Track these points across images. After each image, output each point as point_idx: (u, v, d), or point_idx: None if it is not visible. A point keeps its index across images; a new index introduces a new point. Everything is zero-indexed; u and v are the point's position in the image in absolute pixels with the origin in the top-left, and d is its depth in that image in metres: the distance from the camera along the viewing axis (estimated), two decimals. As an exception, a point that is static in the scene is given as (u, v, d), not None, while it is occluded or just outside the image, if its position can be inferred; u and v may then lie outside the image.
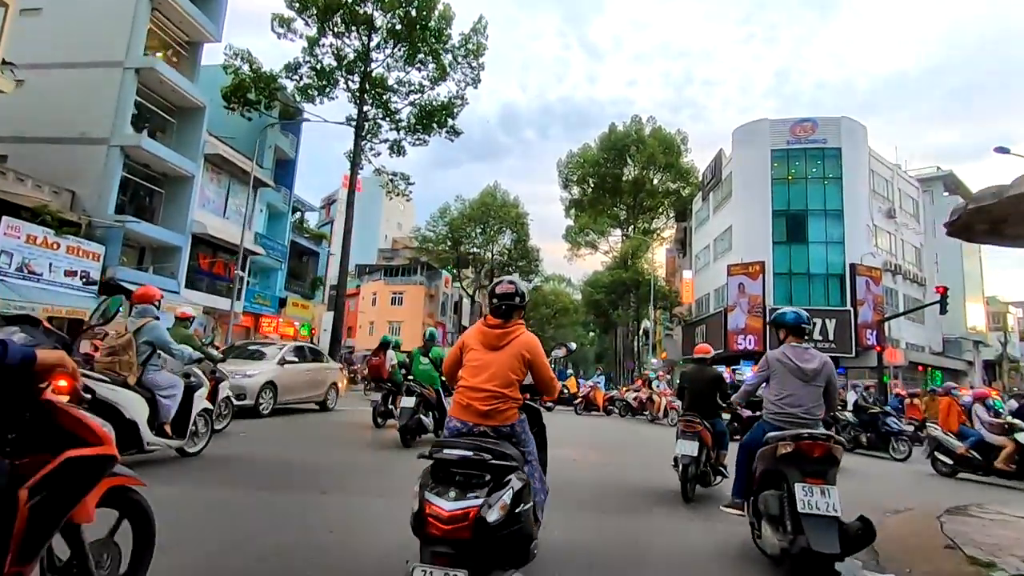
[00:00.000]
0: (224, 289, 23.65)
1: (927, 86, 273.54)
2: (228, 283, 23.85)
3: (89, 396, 3.95)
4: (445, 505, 2.14)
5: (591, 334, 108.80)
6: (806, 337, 3.94)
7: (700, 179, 36.81)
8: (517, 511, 2.28)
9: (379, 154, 28.14)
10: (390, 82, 26.62)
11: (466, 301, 59.39)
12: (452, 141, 27.87)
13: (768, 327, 11.90)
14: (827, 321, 25.83)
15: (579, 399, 18.32)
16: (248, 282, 26.62)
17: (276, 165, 28.69)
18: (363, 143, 27.30)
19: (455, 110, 27.05)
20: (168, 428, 5.19)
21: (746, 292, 27.57)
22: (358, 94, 25.40)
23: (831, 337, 25.72)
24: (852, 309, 25.86)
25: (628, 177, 46.22)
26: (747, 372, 28.70)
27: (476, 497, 2.18)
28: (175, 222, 20.64)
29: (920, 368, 30.02)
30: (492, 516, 2.15)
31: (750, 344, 26.86)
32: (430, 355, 8.19)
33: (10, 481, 1.57)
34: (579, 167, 47.37)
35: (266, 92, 23.84)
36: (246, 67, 22.98)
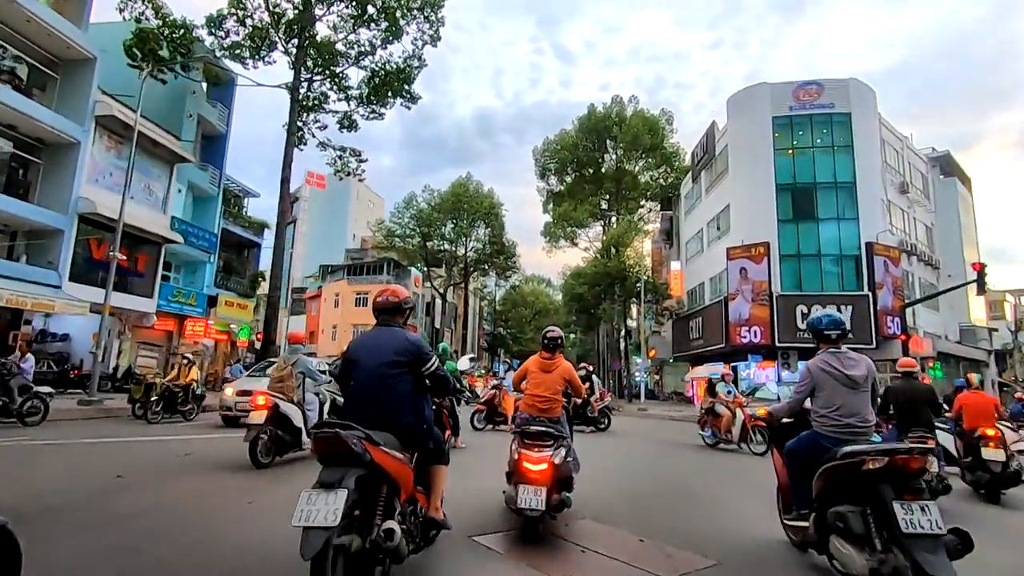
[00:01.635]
0: (136, 285, 19.49)
1: (889, 87, 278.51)
2: (140, 277, 19.71)
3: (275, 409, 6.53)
4: (533, 455, 4.05)
5: (572, 336, 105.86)
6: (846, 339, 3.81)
7: (690, 158, 33.56)
8: (568, 460, 4.24)
9: (325, 127, 24.19)
10: (338, 46, 22.82)
11: (439, 302, 55.42)
12: (409, 109, 24.08)
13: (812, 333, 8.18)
14: (843, 308, 22.63)
15: (478, 406, 12.37)
16: (168, 277, 22.44)
17: (203, 141, 24.52)
18: (307, 116, 23.41)
19: (412, 73, 23.31)
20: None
21: (749, 278, 24.26)
22: (297, 55, 21.49)
23: (848, 325, 22.41)
24: (871, 294, 22.70)
25: (609, 164, 42.88)
26: (753, 368, 25.60)
27: (549, 451, 4.09)
28: (55, 199, 16.45)
29: (931, 361, 27.02)
30: (557, 460, 4.05)
31: (755, 336, 23.54)
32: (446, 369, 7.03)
33: None
34: (556, 153, 43.85)
35: (180, 48, 19.76)
36: (150, 11, 18.87)
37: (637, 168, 43.70)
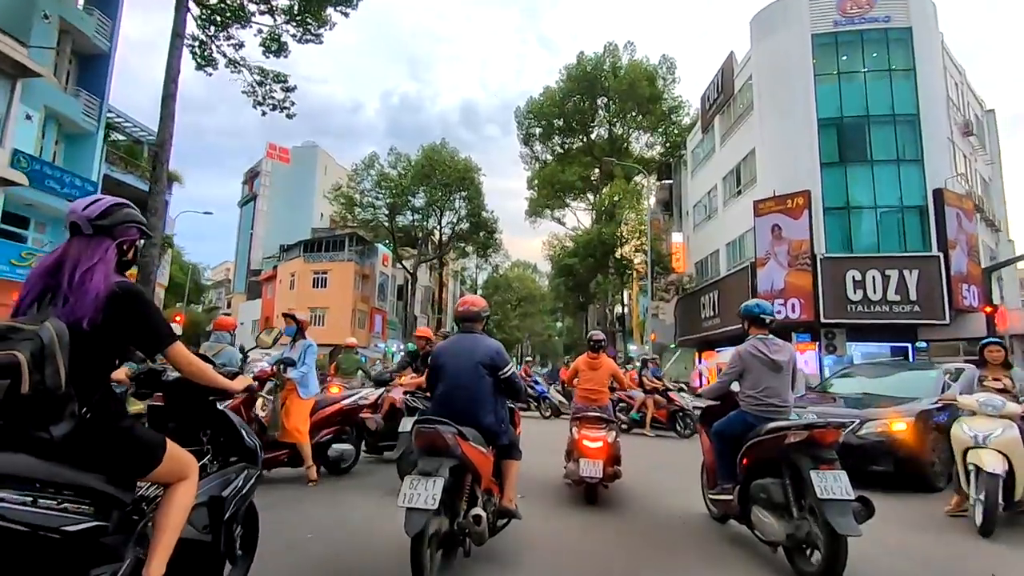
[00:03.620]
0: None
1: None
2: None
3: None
4: (592, 434, 5.03)
5: (559, 324, 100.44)
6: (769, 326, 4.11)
7: (700, 106, 28.28)
8: (617, 440, 5.27)
9: (241, 45, 18.50)
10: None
11: (412, 285, 49.80)
12: (346, 16, 18.46)
13: (742, 319, 4.73)
14: (905, 273, 17.65)
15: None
16: (21, 237, 16.79)
17: (78, 61, 18.77)
18: (217, 31, 17.79)
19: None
20: None
21: (784, 237, 19.16)
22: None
23: (912, 295, 17.52)
24: (941, 254, 17.70)
25: (600, 133, 37.53)
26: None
27: (603, 431, 5.08)
28: None
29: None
30: (610, 439, 5.05)
31: (792, 311, 18.49)
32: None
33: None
34: (541, 112, 38.28)
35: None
36: None
37: (632, 135, 38.40)
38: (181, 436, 2.11)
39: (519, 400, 4.28)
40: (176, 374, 2.19)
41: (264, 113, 20.07)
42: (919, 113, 18.81)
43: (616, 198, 28.07)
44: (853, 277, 17.97)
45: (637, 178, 37.98)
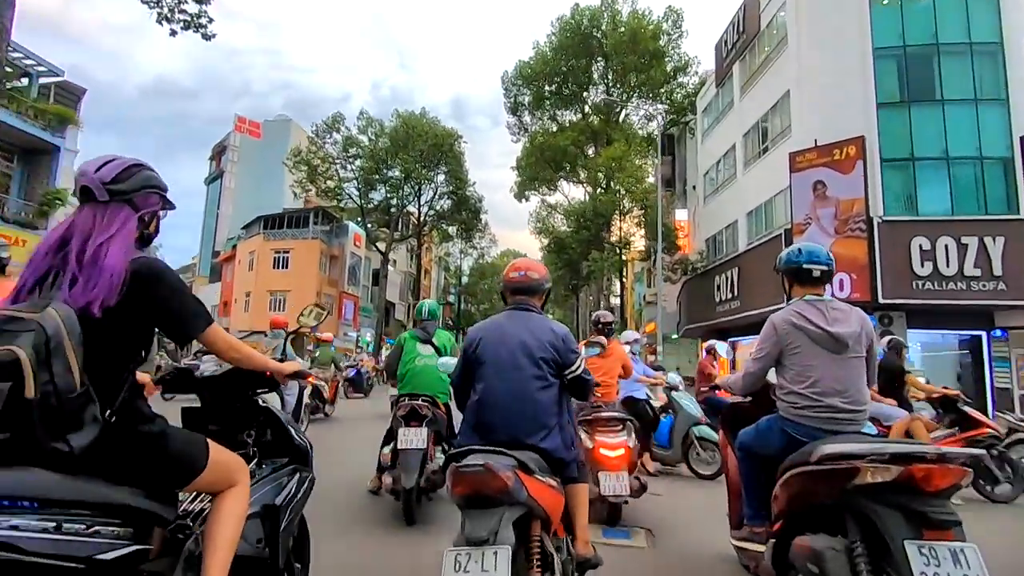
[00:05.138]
0: None
1: None
2: None
3: None
4: (613, 440, 4.08)
5: (551, 315, 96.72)
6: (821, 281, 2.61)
7: (715, 55, 24.23)
8: (636, 444, 4.34)
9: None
10: None
11: (390, 270, 45.50)
12: None
13: (781, 275, 3.08)
14: (987, 241, 13.82)
15: None
16: None
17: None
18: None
19: None
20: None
21: (830, 196, 15.25)
22: None
23: (996, 269, 13.70)
24: (1034, 217, 13.87)
25: (596, 85, 33.41)
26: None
27: (624, 435, 4.15)
28: None
29: None
30: (631, 443, 4.15)
31: (841, 289, 14.61)
32: (435, 342, 4.69)
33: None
34: (531, 75, 34.07)
35: None
36: None
37: (631, 103, 34.38)
38: (222, 439, 1.79)
39: (585, 400, 3.31)
40: (212, 370, 2.12)
41: (174, 33, 15.61)
42: (1002, 42, 14.88)
43: (616, 158, 23.94)
44: (920, 246, 14.10)
45: (637, 160, 33.90)
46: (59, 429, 1.28)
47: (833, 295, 12.37)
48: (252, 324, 34.88)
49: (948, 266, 13.97)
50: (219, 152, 59.84)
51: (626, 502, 4.10)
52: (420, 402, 4.29)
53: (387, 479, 4.29)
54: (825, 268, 2.66)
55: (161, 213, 1.69)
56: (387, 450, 4.47)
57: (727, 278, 20.36)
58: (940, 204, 14.83)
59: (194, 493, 1.68)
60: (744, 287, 18.93)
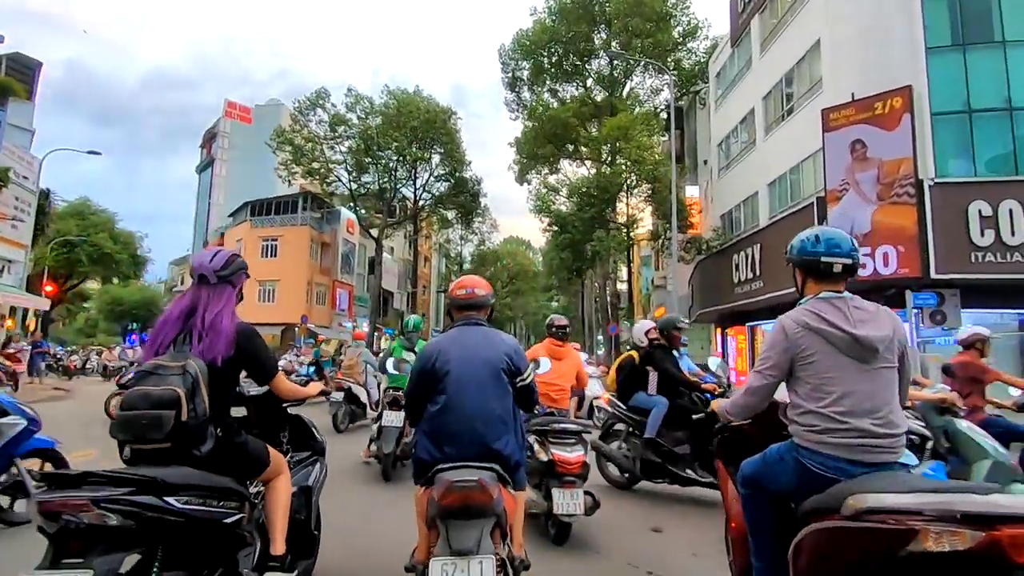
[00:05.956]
0: None
1: None
2: None
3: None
4: (571, 455, 3.80)
5: (554, 303, 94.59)
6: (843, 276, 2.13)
7: (729, 13, 22.02)
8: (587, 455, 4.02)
9: None
10: None
11: (387, 258, 43.66)
12: None
13: (793, 267, 2.33)
14: (1060, 207, 11.81)
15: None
16: None
17: None
18: None
19: None
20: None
21: (871, 157, 13.24)
22: None
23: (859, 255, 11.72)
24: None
25: (598, 53, 31.17)
26: None
27: (580, 449, 3.90)
28: None
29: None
30: (587, 459, 3.93)
31: (886, 264, 12.71)
32: (416, 349, 6.05)
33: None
34: (529, 47, 31.86)
35: None
36: None
37: (635, 75, 32.19)
38: (264, 438, 2.54)
39: (530, 412, 3.16)
40: (258, 390, 2.70)
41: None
42: (1074, -29, 12.75)
43: (622, 127, 21.82)
44: (980, 212, 12.10)
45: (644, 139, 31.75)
46: (196, 442, 2.08)
47: (876, 271, 10.24)
48: (242, 315, 33.21)
49: (1013, 235, 11.98)
50: (209, 139, 57.88)
51: (585, 515, 3.94)
52: (400, 393, 5.28)
53: (373, 447, 6.09)
54: (848, 262, 2.12)
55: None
56: (375, 427, 6.11)
57: (747, 256, 18.36)
58: (1002, 163, 12.78)
59: (257, 481, 2.46)
60: (767, 265, 16.95)
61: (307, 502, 2.73)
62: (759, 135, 19.20)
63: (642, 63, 31.44)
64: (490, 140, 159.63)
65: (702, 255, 22.40)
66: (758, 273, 17.41)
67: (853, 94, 13.73)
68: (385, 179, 34.73)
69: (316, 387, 2.87)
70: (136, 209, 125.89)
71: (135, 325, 52.62)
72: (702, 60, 28.41)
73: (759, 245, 17.62)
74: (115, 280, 43.39)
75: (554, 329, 4.88)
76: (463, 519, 2.02)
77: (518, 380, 2.46)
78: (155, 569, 1.85)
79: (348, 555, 3.52)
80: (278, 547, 2.30)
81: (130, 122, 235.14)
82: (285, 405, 2.81)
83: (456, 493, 2.02)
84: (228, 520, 2.05)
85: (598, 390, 9.65)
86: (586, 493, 3.85)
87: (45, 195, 27.57)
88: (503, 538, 2.21)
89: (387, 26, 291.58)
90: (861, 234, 13.09)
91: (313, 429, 3.05)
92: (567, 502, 3.67)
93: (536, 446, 3.92)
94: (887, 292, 13.34)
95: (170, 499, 1.88)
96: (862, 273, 12.84)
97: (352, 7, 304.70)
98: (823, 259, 2.11)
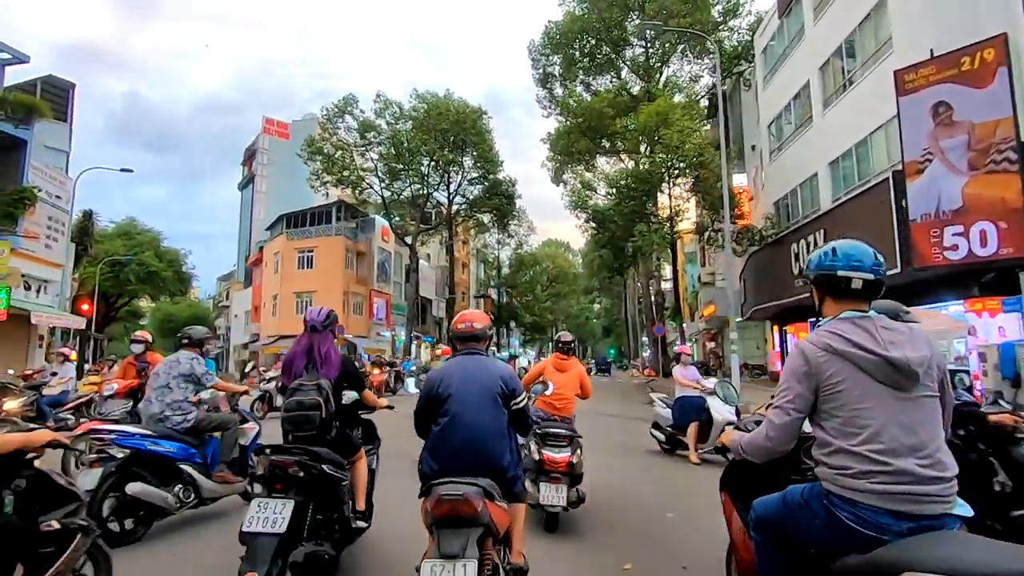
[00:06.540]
0: None
1: None
2: None
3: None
4: (558, 455, 4.44)
5: (596, 305, 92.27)
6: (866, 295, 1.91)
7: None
8: (581, 457, 4.62)
9: None
10: None
11: (424, 265, 43.13)
12: None
13: (811, 285, 2.08)
14: None
15: None
16: None
17: None
18: None
19: None
20: None
21: (958, 121, 11.40)
22: None
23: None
24: None
25: (636, 56, 29.65)
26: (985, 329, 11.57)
27: (568, 451, 4.49)
28: None
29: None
30: (574, 459, 4.48)
31: (983, 244, 10.85)
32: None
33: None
34: (560, 36, 30.68)
35: None
36: None
37: (672, 61, 30.60)
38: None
39: (525, 435, 3.84)
40: (349, 398, 3.71)
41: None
42: None
43: (661, 112, 20.29)
44: (1100, 177, 10.12)
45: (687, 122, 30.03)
46: (327, 432, 3.27)
47: (971, 252, 8.43)
48: (280, 328, 33.22)
49: None
50: (250, 157, 59.22)
51: (566, 510, 4.46)
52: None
53: None
54: (871, 278, 1.87)
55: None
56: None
57: (808, 244, 16.50)
58: None
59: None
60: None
61: (372, 480, 3.94)
62: (816, 110, 17.34)
63: (680, 47, 29.89)
64: (526, 147, 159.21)
65: (755, 246, 20.55)
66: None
67: (932, 50, 11.89)
68: (418, 185, 34.18)
69: (384, 401, 4.11)
70: (190, 230, 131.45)
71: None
72: (745, 40, 26.53)
73: (823, 231, 15.74)
74: (162, 297, 44.49)
75: (561, 344, 5.48)
76: (452, 528, 2.31)
77: (512, 403, 2.78)
78: (311, 508, 2.99)
79: (384, 545, 4.09)
80: (360, 503, 3.56)
81: (184, 148, 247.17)
82: (360, 412, 3.99)
83: (445, 504, 2.32)
84: (343, 483, 3.29)
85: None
86: (578, 490, 4.55)
87: (88, 216, 28.18)
88: (496, 545, 2.49)
89: (419, 39, 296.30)
90: (951, 210, 11.26)
91: (376, 429, 4.28)
92: (551, 495, 4.35)
93: (533, 446, 4.59)
94: (985, 277, 11.47)
95: (324, 466, 3.06)
96: (953, 256, 11.07)
97: (387, 24, 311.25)
98: (840, 273, 1.90)
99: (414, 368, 20.84)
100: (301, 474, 2.92)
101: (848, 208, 14.54)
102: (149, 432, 4.32)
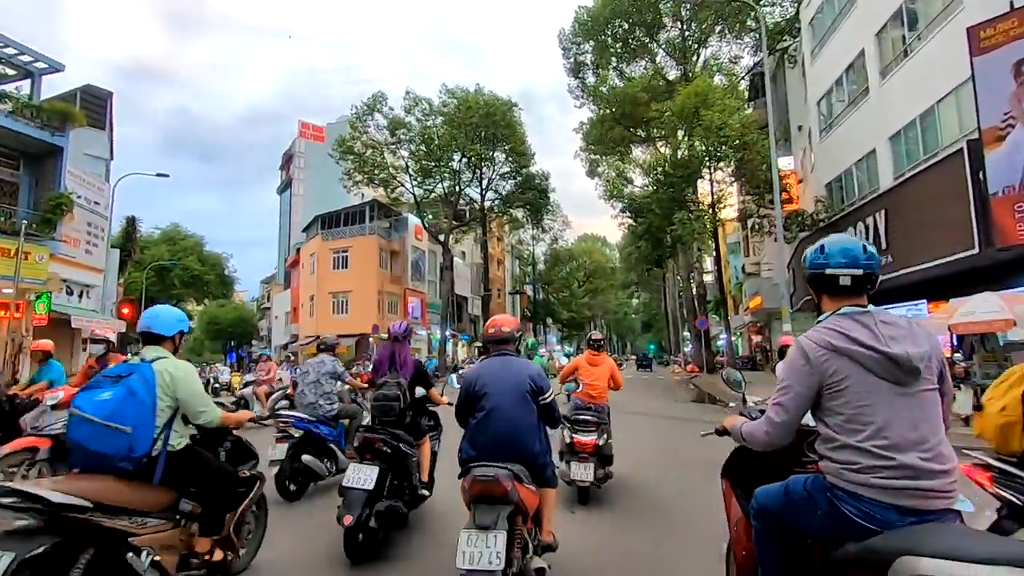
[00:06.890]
0: None
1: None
2: None
3: None
4: (586, 438, 5.20)
5: (634, 300, 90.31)
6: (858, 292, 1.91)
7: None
8: (609, 441, 5.49)
9: None
10: None
11: (459, 263, 42.80)
12: None
13: (807, 282, 2.05)
14: None
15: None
16: None
17: None
18: None
19: None
20: None
21: (1046, 78, 10.01)
22: None
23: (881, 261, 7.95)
24: None
25: (671, 37, 28.37)
26: None
27: (595, 435, 5.25)
28: None
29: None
30: (600, 442, 5.25)
31: (1082, 218, 9.41)
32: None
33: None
34: (591, 22, 29.68)
35: None
36: None
37: (710, 43, 29.18)
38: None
39: (555, 427, 3.72)
40: (420, 393, 4.78)
41: None
42: None
43: (700, 93, 19.12)
44: None
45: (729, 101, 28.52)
46: (403, 418, 4.38)
47: None
48: (317, 328, 33.41)
49: None
50: (287, 161, 60.36)
51: (598, 487, 5.34)
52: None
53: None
54: (859, 273, 1.87)
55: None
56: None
57: (867, 227, 15.16)
58: None
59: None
60: (895, 236, 13.79)
61: (434, 458, 4.91)
62: (873, 80, 15.90)
63: (718, 28, 28.44)
64: (560, 142, 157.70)
65: (805, 232, 19.17)
66: (884, 246, 14.20)
67: (1012, 2, 10.52)
68: (449, 181, 33.79)
69: (446, 399, 4.72)
70: (236, 236, 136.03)
71: (232, 343, 55.66)
72: (790, 13, 24.92)
73: (883, 212, 14.42)
74: (206, 300, 45.72)
75: (591, 342, 6.32)
76: (486, 504, 2.71)
77: (541, 399, 3.18)
78: (390, 474, 3.98)
79: (439, 511, 4.89)
80: (424, 476, 4.53)
81: (230, 157, 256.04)
82: (427, 405, 4.97)
83: (479, 485, 2.74)
84: (413, 458, 4.30)
85: None
86: (605, 469, 5.38)
87: (131, 222, 28.95)
88: (526, 522, 2.91)
89: (450, 41, 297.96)
90: (1039, 181, 9.91)
91: (439, 419, 5.19)
92: (580, 472, 5.09)
93: (565, 432, 5.32)
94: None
95: (400, 444, 4.09)
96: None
97: (420, 26, 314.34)
98: (828, 271, 1.90)
99: (435, 367, 20.35)
100: (385, 448, 3.99)
101: (913, 185, 13.18)
102: (312, 418, 5.69)
